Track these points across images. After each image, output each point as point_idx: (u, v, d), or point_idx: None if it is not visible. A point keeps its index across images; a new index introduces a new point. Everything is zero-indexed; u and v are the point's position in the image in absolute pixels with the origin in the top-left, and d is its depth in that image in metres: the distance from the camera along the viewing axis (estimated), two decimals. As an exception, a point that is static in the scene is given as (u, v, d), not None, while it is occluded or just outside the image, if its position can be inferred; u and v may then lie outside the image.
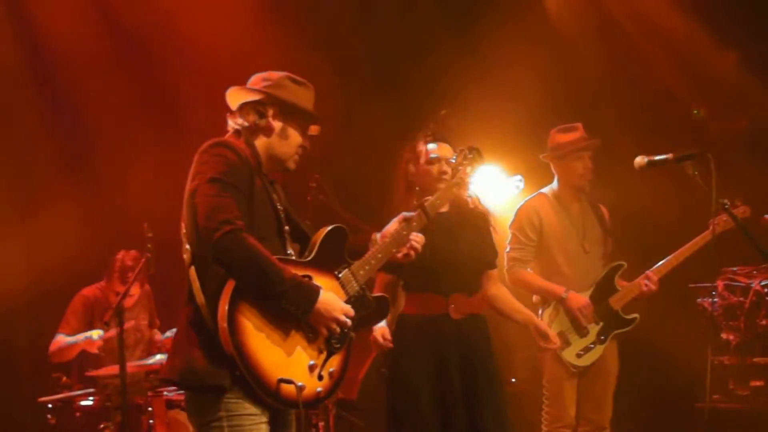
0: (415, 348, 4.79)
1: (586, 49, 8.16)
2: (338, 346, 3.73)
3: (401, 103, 8.50)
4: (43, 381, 6.55)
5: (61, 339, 6.37)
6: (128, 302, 6.39)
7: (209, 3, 7.61)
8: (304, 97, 3.91)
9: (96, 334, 6.24)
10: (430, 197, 4.31)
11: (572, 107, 7.74)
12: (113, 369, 5.84)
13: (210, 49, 7.48)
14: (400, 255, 4.09)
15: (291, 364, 3.58)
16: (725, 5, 7.66)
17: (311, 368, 3.64)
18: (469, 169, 4.49)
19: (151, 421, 5.93)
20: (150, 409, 5.94)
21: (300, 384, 3.55)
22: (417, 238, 4.10)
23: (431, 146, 4.90)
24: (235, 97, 3.90)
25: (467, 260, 4.88)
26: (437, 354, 4.76)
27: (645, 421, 7.52)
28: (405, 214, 4.11)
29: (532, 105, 8.03)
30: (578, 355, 5.69)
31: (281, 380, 3.51)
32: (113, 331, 5.97)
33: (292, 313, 3.57)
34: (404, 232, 4.06)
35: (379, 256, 3.97)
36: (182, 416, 5.98)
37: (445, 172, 4.82)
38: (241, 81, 3.93)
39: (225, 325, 3.44)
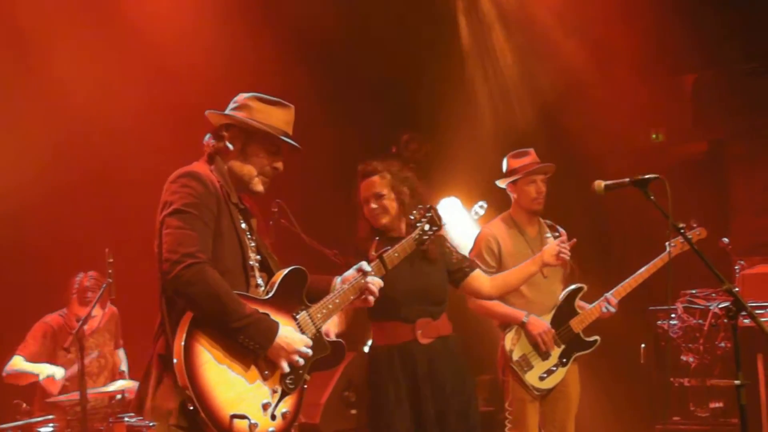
0: (387, 377, 4.84)
1: (541, 75, 8.25)
2: (292, 387, 3.72)
3: (365, 127, 8.56)
4: (2, 407, 6.47)
5: (19, 363, 6.30)
6: (91, 325, 6.31)
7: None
8: (275, 117, 3.87)
9: (59, 374, 6.16)
10: (389, 249, 4.33)
11: (531, 132, 7.83)
12: (74, 395, 5.79)
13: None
14: (358, 302, 4.09)
15: (245, 400, 3.56)
16: (682, 30, 7.78)
17: (265, 407, 3.62)
18: (427, 227, 4.51)
19: (111, 448, 5.89)
20: (110, 435, 5.90)
21: (254, 421, 3.53)
22: (374, 283, 4.09)
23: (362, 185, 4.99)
24: (210, 120, 3.91)
25: (429, 286, 4.94)
26: (410, 380, 4.81)
27: (606, 443, 7.57)
28: (363, 265, 4.11)
29: (493, 132, 8.13)
30: (541, 378, 5.71)
31: (234, 416, 3.49)
32: (74, 369, 5.96)
33: (250, 348, 3.57)
34: (362, 281, 4.05)
35: (337, 301, 3.97)
36: (143, 442, 5.95)
37: (373, 209, 4.91)
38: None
39: (180, 358, 3.44)
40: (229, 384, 3.52)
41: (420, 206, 4.61)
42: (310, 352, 3.72)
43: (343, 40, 8.33)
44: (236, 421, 3.48)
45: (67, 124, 7.27)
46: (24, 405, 6.18)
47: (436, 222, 4.53)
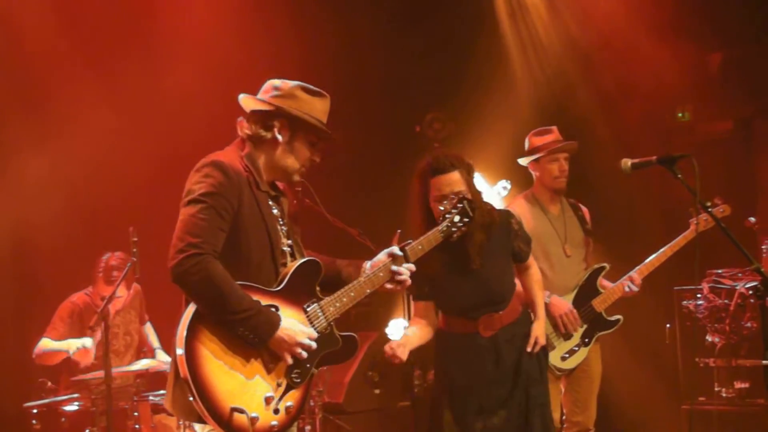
0: (452, 361, 4.86)
1: (569, 54, 8.20)
2: (298, 380, 3.68)
3: (390, 107, 8.54)
4: (28, 386, 6.52)
5: (47, 343, 6.33)
6: (116, 305, 6.35)
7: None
8: (317, 108, 3.84)
9: (88, 342, 6.20)
10: (411, 241, 4.15)
11: (556, 110, 7.79)
12: (99, 374, 5.82)
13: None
14: (389, 286, 3.98)
15: (246, 393, 3.54)
16: (709, 8, 7.70)
17: (267, 400, 3.59)
18: (457, 218, 4.34)
19: (136, 426, 5.92)
20: (136, 413, 5.93)
21: (254, 415, 3.51)
22: (404, 272, 3.97)
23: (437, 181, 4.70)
24: (245, 104, 3.86)
25: (492, 288, 4.82)
26: (471, 365, 4.80)
27: (630, 423, 7.55)
28: (394, 249, 3.99)
29: (516, 109, 8.10)
30: (563, 358, 5.69)
31: (234, 409, 3.47)
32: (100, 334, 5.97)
33: (249, 341, 3.54)
34: (381, 274, 3.94)
35: (352, 294, 3.87)
36: (168, 420, 5.98)
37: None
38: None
39: (181, 349, 3.44)
40: (230, 376, 3.51)
41: (452, 196, 4.45)
42: (313, 345, 3.67)
43: (367, 19, 8.30)
44: (236, 414, 3.47)
45: (97, 105, 7.33)
46: (49, 383, 6.24)
47: (467, 213, 4.36)
